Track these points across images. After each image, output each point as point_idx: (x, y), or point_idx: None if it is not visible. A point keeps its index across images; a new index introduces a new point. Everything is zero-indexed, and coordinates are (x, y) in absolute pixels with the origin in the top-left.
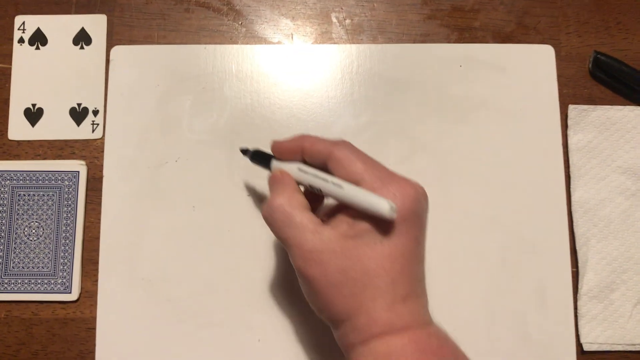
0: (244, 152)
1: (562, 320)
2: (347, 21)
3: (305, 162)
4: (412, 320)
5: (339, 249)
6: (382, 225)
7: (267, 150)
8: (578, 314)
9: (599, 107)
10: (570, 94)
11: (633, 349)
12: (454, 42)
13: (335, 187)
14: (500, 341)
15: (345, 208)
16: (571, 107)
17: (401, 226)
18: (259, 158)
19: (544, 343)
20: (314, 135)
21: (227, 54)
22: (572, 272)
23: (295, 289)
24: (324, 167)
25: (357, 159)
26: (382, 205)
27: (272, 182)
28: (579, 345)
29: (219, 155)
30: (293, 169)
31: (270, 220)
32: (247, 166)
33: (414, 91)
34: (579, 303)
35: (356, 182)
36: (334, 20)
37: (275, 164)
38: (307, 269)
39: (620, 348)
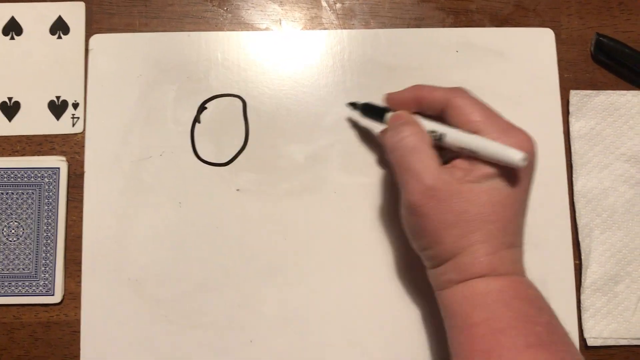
0: (353, 105)
1: (565, 314)
2: (338, 5)
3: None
4: (513, 267)
5: (458, 191)
6: (500, 173)
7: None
8: (581, 308)
9: (601, 92)
10: (572, 78)
11: (639, 343)
12: (450, 26)
13: (463, 135)
14: None
15: (461, 154)
16: (573, 92)
17: (521, 175)
18: (371, 111)
19: None
20: (428, 85)
21: (212, 42)
22: (575, 264)
23: (287, 286)
24: (439, 118)
25: (477, 108)
26: (514, 155)
27: (396, 120)
28: (582, 340)
29: (206, 148)
30: (418, 117)
31: (396, 147)
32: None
33: (410, 78)
34: (582, 296)
35: (476, 131)
36: (324, 4)
37: (390, 115)
38: (423, 205)
39: (625, 342)
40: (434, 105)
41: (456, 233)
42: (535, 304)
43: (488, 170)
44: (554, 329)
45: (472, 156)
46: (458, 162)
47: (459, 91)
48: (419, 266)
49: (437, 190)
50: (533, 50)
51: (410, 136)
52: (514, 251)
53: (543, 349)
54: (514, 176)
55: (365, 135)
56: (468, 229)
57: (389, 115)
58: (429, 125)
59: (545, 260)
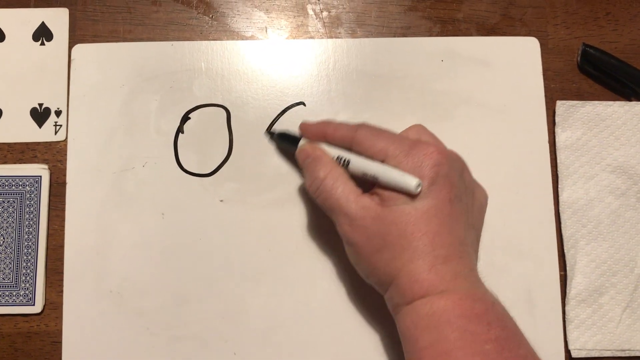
0: (270, 135)
1: (550, 325)
2: (324, 13)
3: None
4: (455, 282)
5: (377, 215)
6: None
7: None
8: (566, 319)
9: (587, 102)
10: (558, 88)
11: (622, 355)
12: (437, 35)
13: (365, 162)
14: None
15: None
16: (559, 103)
17: (431, 189)
18: (286, 139)
19: None
20: (336, 122)
21: (195, 51)
22: (560, 275)
23: (271, 297)
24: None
25: (379, 137)
26: (409, 181)
27: (306, 156)
28: (567, 351)
29: (189, 158)
30: (322, 146)
31: (317, 193)
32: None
33: (395, 87)
34: (567, 307)
35: (383, 158)
36: (310, 12)
37: (303, 143)
38: (352, 235)
39: (609, 354)
40: (341, 143)
41: (387, 256)
42: (483, 320)
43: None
44: (506, 343)
45: (374, 183)
46: (378, 189)
47: (361, 126)
48: None
49: (360, 218)
50: (518, 59)
51: (326, 178)
52: (453, 265)
53: None
54: (430, 193)
55: None
56: (396, 251)
57: (302, 143)
58: (335, 152)
59: (530, 271)
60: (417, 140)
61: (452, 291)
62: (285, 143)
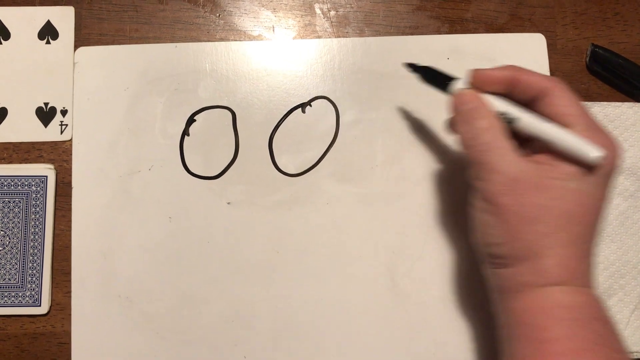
0: (413, 67)
1: None
2: (332, 13)
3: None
4: (589, 279)
5: (543, 185)
6: (585, 174)
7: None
8: None
9: (596, 103)
10: None
11: (631, 357)
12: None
13: (540, 122)
14: (493, 351)
15: (546, 149)
16: None
17: (604, 180)
18: (434, 78)
19: None
20: (525, 68)
21: (200, 52)
22: None
23: (280, 299)
24: (527, 104)
25: (573, 102)
26: (590, 150)
27: (465, 102)
28: None
29: (195, 161)
30: (487, 97)
31: (472, 143)
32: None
33: (400, 86)
34: None
35: (566, 125)
36: (318, 11)
37: (459, 89)
38: (502, 197)
39: None
40: (528, 91)
41: (539, 230)
42: (611, 327)
43: (574, 169)
44: (626, 357)
45: (544, 146)
46: (540, 157)
47: (559, 81)
48: (415, 276)
49: (520, 181)
50: (524, 55)
51: (486, 132)
52: (591, 260)
53: None
54: (598, 181)
55: (357, 145)
56: (553, 227)
57: (454, 86)
58: (501, 106)
59: None
60: (601, 126)
61: (588, 288)
62: (431, 81)
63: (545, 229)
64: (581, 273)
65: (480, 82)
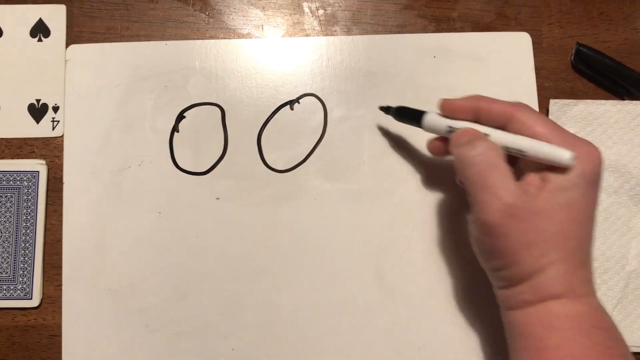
0: (385, 109)
1: None
2: (320, 11)
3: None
4: (587, 288)
5: (538, 208)
6: (572, 185)
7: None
8: None
9: (580, 101)
10: (552, 87)
11: None
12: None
13: (509, 135)
14: (477, 344)
15: (529, 168)
16: (552, 101)
17: (588, 189)
18: (406, 115)
19: None
20: (488, 97)
21: (189, 50)
22: None
23: (269, 294)
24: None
25: (541, 120)
26: (562, 153)
27: (464, 137)
28: None
29: (185, 157)
30: (465, 124)
31: (473, 162)
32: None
33: (387, 84)
34: None
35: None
36: (307, 10)
37: (429, 119)
38: (502, 225)
39: None
40: (496, 118)
41: (535, 253)
42: (612, 334)
43: (560, 182)
44: None
45: (528, 164)
46: (529, 178)
47: (522, 105)
48: (401, 271)
49: (517, 208)
50: (510, 54)
51: (488, 151)
52: (588, 268)
53: None
54: (586, 190)
55: (345, 142)
56: (547, 248)
57: (427, 118)
58: (489, 132)
59: None
60: (577, 136)
61: (587, 297)
62: (405, 120)
63: (541, 251)
64: (580, 283)
65: (449, 111)
